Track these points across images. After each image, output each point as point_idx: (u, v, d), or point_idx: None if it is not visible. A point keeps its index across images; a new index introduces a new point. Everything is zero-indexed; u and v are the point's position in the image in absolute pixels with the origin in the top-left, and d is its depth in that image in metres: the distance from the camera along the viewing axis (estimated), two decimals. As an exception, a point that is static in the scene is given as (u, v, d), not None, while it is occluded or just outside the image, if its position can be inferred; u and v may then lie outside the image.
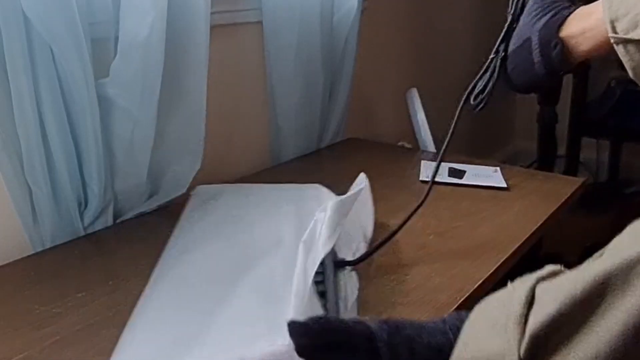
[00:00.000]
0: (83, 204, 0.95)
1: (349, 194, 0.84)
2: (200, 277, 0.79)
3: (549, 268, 0.55)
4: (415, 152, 1.42)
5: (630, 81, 0.77)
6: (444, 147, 0.85)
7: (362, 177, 0.95)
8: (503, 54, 0.84)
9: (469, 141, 2.34)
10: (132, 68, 0.95)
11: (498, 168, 1.23)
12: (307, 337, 0.55)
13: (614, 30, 0.73)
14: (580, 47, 0.81)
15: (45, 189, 0.89)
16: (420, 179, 1.18)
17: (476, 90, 0.83)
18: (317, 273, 0.72)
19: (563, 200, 1.08)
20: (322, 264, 0.80)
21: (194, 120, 1.08)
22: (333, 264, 0.82)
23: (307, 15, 1.27)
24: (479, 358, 0.52)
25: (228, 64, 1.23)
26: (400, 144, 1.54)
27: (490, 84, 0.82)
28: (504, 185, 1.14)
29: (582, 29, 0.81)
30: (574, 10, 0.85)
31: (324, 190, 1.01)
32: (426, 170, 1.22)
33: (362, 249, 0.88)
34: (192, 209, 1.00)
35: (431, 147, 1.41)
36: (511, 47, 0.85)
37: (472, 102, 0.82)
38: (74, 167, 0.93)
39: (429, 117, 1.42)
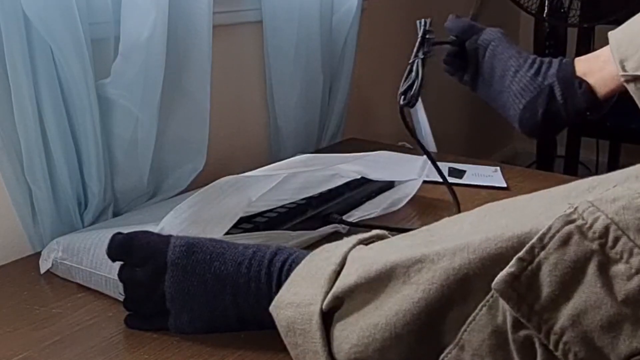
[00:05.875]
0: (83, 204, 0.95)
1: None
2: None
3: (375, 232, 0.65)
4: (416, 152, 1.41)
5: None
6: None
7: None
8: (423, 57, 0.92)
9: (469, 141, 2.34)
10: (134, 68, 0.95)
11: (498, 168, 1.23)
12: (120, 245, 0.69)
13: (624, 69, 0.77)
14: (598, 87, 0.86)
15: (45, 189, 0.89)
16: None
17: (402, 90, 0.93)
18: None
19: (563, 200, 1.07)
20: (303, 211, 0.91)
21: (196, 120, 1.08)
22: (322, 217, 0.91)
23: (307, 15, 1.27)
24: (294, 300, 0.60)
25: (227, 64, 1.23)
26: (400, 144, 1.54)
27: (416, 84, 0.91)
28: (504, 185, 1.14)
29: (591, 69, 0.87)
30: (566, 59, 0.90)
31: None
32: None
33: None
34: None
35: (432, 147, 1.40)
36: (517, 104, 0.93)
37: (401, 102, 0.91)
38: (74, 167, 0.92)
39: (430, 117, 1.42)
